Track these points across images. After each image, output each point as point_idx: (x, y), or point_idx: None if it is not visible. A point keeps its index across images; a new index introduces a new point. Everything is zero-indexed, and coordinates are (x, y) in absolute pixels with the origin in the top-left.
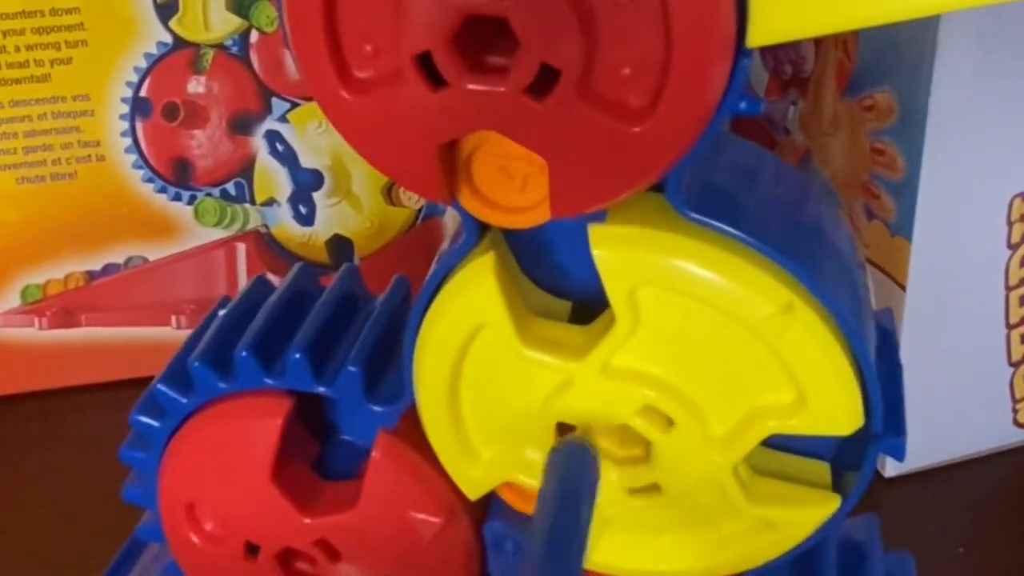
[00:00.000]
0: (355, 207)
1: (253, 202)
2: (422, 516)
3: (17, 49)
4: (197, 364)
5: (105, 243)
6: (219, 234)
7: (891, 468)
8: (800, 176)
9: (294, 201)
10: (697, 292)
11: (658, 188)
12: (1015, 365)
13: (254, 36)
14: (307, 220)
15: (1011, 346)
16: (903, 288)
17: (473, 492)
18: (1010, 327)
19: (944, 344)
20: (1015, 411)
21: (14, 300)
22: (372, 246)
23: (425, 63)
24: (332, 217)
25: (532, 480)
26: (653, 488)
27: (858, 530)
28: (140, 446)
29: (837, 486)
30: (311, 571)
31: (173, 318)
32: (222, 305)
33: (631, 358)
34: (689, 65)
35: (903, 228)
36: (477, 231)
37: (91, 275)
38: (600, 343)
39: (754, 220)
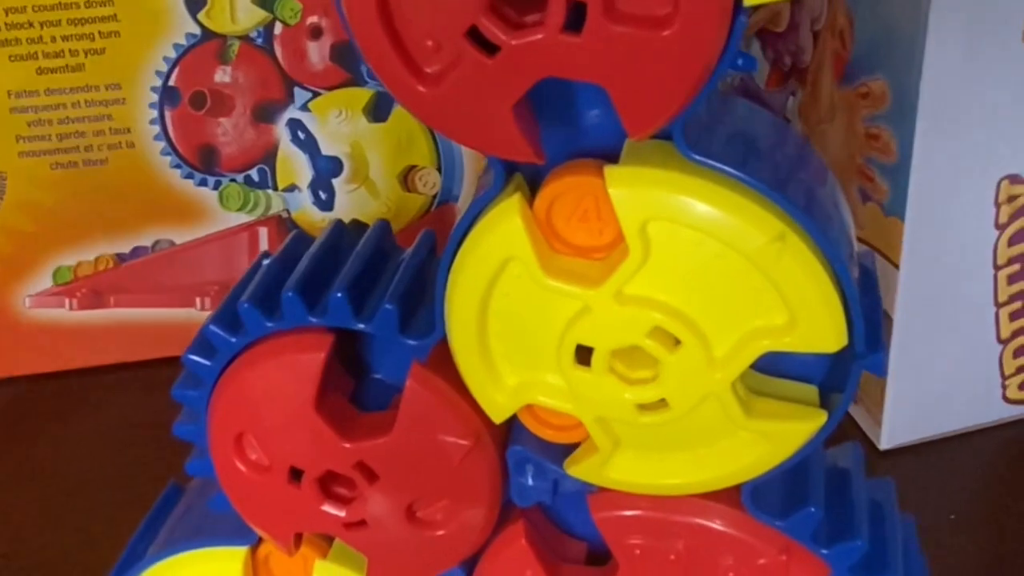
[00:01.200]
0: (373, 193)
1: (275, 188)
2: (452, 439)
3: (53, 40)
4: (247, 305)
5: (134, 227)
6: (243, 219)
7: (885, 441)
8: (792, 130)
9: (314, 187)
10: (700, 225)
11: (665, 136)
12: (1004, 342)
13: (278, 28)
14: (327, 205)
15: (1000, 324)
16: (896, 267)
17: (498, 415)
18: (999, 305)
19: (936, 322)
20: (1004, 387)
21: (46, 281)
22: None
23: (475, 38)
24: (351, 203)
25: (552, 401)
26: (661, 404)
27: (843, 457)
28: (192, 384)
29: (824, 405)
30: (348, 495)
31: (198, 300)
32: (263, 258)
33: (642, 286)
34: None
35: (896, 209)
36: (504, 176)
37: (120, 258)
38: (615, 273)
39: (750, 162)
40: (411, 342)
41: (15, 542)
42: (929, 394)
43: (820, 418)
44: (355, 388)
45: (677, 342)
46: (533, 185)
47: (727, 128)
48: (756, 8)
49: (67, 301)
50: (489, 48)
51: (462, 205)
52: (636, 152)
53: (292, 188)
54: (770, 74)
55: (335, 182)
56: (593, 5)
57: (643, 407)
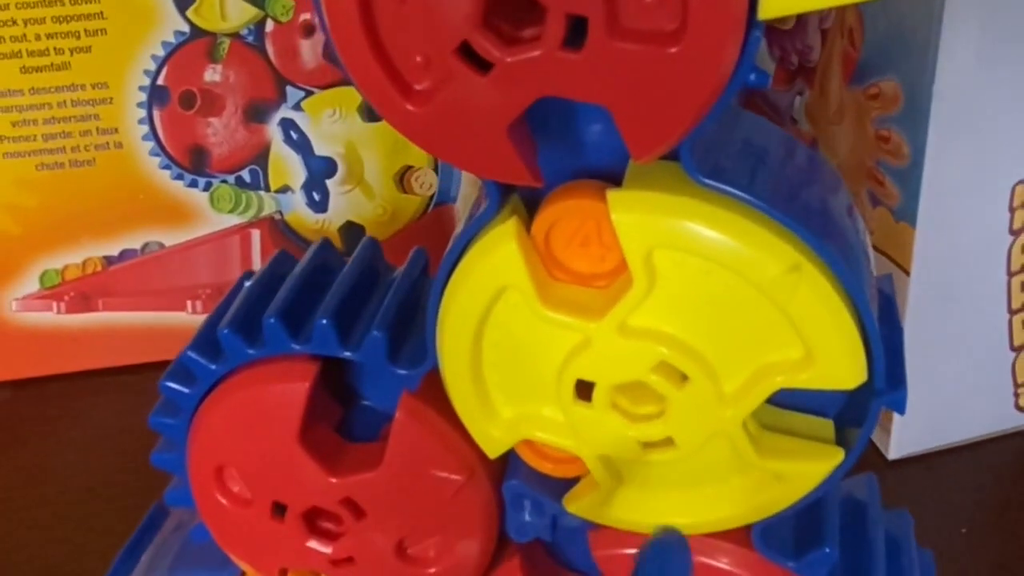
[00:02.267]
0: (368, 194)
1: (268, 189)
2: (444, 474)
3: (38, 37)
4: (227, 331)
5: (122, 229)
6: (234, 220)
7: (894, 450)
8: (805, 148)
9: (308, 188)
10: (710, 254)
11: (672, 157)
12: (1017, 350)
13: (269, 25)
14: (321, 207)
15: (1013, 331)
16: (907, 273)
17: (493, 450)
18: (1012, 312)
19: (947, 329)
20: (1017, 395)
21: (33, 285)
22: (384, 233)
23: (467, 54)
24: (345, 204)
25: (550, 437)
26: (667, 443)
27: (859, 488)
28: (170, 412)
29: (840, 441)
30: (335, 530)
31: (188, 303)
32: (245, 279)
33: (647, 318)
34: None
35: (907, 214)
36: (499, 198)
37: (108, 260)
38: (618, 303)
39: (763, 185)
40: (401, 371)
41: (1, 553)
42: (940, 402)
43: (836, 456)
44: (342, 416)
45: (684, 377)
46: (531, 205)
47: (736, 147)
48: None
49: (54, 305)
50: (482, 64)
51: (459, 206)
52: (641, 174)
53: (285, 189)
54: (776, 73)
55: (329, 183)
56: (595, 20)
57: (648, 445)
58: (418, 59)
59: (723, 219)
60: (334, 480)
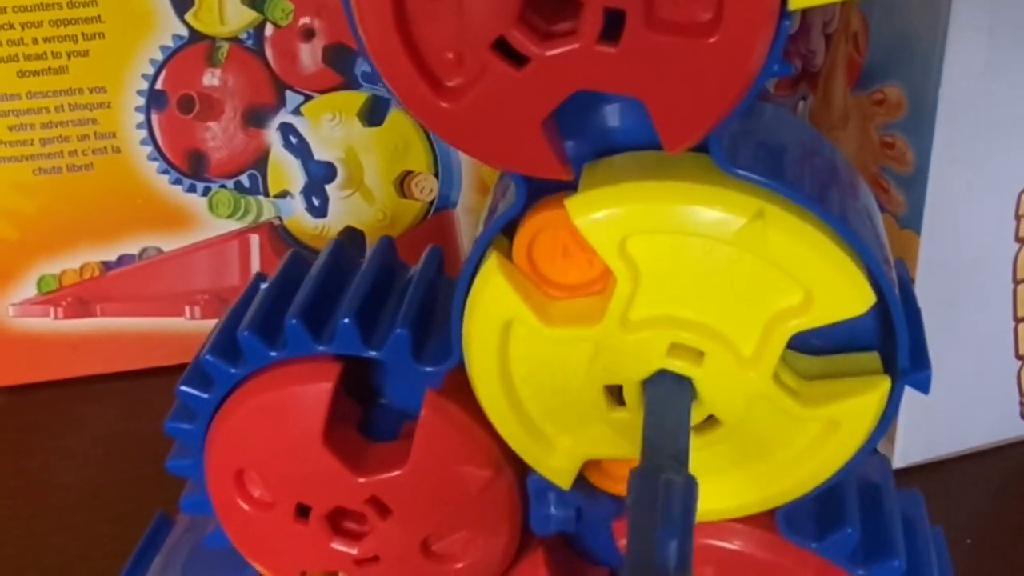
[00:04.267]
0: (368, 199)
1: (267, 194)
2: (470, 470)
3: (35, 41)
4: (247, 334)
5: (120, 234)
6: (233, 226)
7: (899, 459)
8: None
9: (307, 193)
10: (674, 227)
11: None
12: (1022, 359)
13: (269, 29)
14: (320, 212)
15: (1018, 340)
16: (912, 281)
17: (565, 481)
18: (1018, 320)
19: (951, 337)
20: (1022, 404)
21: (30, 290)
22: None
23: (502, 49)
24: (345, 209)
25: (610, 451)
26: (712, 422)
27: (873, 470)
28: (186, 418)
29: (888, 370)
30: (359, 530)
31: (187, 308)
32: (259, 281)
33: (645, 307)
34: None
35: (912, 221)
36: (527, 192)
37: (106, 266)
38: (611, 302)
39: (783, 165)
40: (426, 369)
41: None
42: (944, 411)
43: (883, 385)
44: (363, 416)
45: (701, 354)
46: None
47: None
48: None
49: (52, 310)
50: (516, 59)
51: (460, 211)
52: (592, 175)
53: (284, 194)
54: (779, 78)
55: (328, 188)
56: (632, 13)
57: (698, 430)
58: (450, 55)
59: (675, 190)
60: (360, 480)
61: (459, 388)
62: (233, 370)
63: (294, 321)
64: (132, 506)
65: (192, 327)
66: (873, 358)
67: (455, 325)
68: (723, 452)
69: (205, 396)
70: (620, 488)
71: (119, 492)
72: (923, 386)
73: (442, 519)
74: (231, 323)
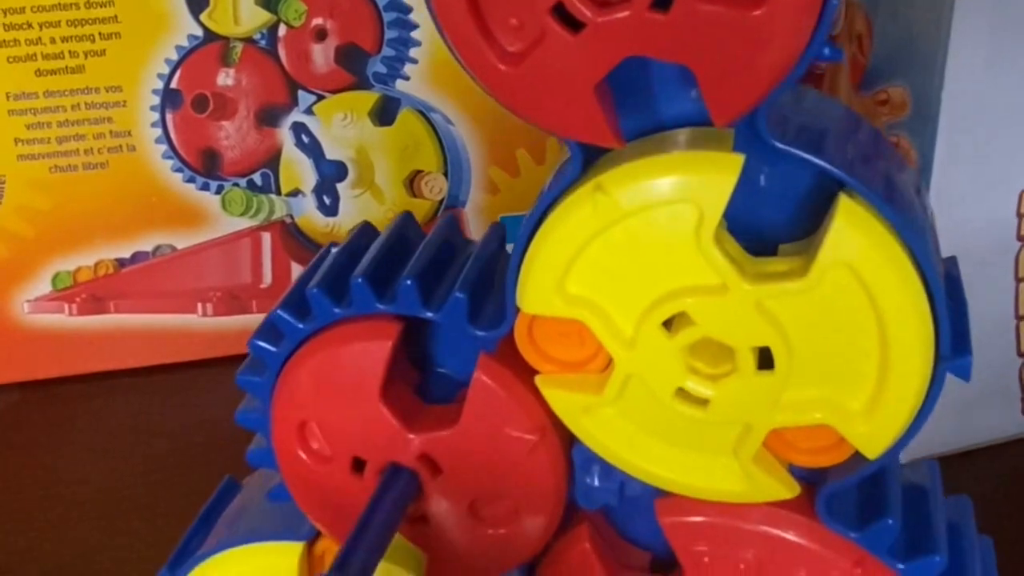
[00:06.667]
0: (378, 198)
1: (279, 192)
2: (518, 434)
3: (53, 41)
4: (316, 291)
5: (134, 231)
6: (245, 224)
7: (902, 456)
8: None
9: (319, 192)
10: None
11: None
12: None
13: (282, 30)
14: (331, 210)
15: (1020, 337)
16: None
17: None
18: (1020, 318)
19: None
20: None
21: (45, 287)
22: None
23: (560, 15)
24: (355, 208)
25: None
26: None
27: (921, 475)
28: (257, 371)
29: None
30: None
31: (199, 306)
32: (328, 249)
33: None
34: None
35: None
36: (582, 160)
37: (120, 263)
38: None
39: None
40: (480, 333)
41: (12, 553)
42: (946, 408)
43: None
44: (419, 382)
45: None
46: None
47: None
48: None
49: (66, 307)
50: (573, 26)
51: (469, 211)
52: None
53: (296, 193)
54: None
55: (340, 187)
56: None
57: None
58: (513, 22)
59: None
60: (412, 436)
61: (512, 354)
62: (301, 325)
63: (360, 280)
64: (147, 499)
65: (204, 324)
66: None
67: (510, 290)
68: (803, 381)
69: (275, 350)
70: (803, 459)
71: (133, 485)
72: (964, 372)
73: (489, 482)
74: (302, 283)
